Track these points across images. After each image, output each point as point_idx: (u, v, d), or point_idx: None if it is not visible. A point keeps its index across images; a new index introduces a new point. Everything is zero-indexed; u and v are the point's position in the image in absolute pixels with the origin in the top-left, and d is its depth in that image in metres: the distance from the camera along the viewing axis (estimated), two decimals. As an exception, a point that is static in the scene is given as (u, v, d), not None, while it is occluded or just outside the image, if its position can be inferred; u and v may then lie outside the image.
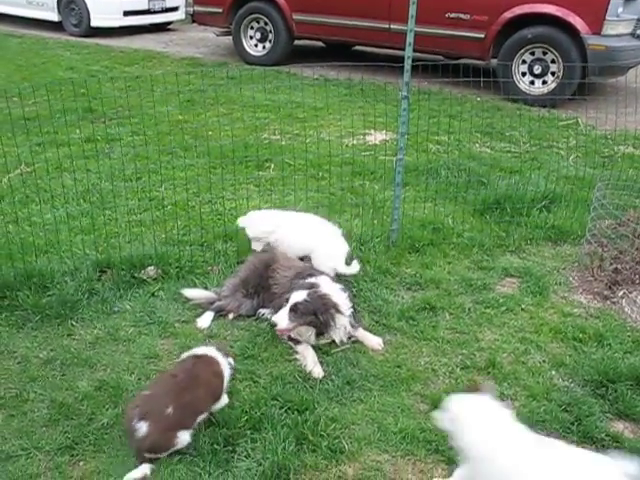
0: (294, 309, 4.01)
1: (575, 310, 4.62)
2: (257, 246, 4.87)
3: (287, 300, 4.06)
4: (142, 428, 3.13)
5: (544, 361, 4.06)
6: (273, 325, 4.07)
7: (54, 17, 14.88)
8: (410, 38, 4.72)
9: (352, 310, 4.18)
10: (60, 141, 7.14)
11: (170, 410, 3.19)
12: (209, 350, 3.61)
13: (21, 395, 3.74)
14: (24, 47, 13.26)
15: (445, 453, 3.32)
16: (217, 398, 3.46)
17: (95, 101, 8.77)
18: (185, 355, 3.64)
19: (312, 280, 4.20)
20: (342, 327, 4.13)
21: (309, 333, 4.08)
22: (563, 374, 3.95)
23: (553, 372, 3.96)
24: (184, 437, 3.22)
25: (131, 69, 11.32)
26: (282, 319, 4.01)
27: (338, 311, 4.07)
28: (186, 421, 3.25)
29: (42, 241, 5.30)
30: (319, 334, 4.10)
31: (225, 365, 3.56)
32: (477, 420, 2.78)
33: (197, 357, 3.53)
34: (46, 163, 6.67)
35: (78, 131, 7.75)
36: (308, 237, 4.91)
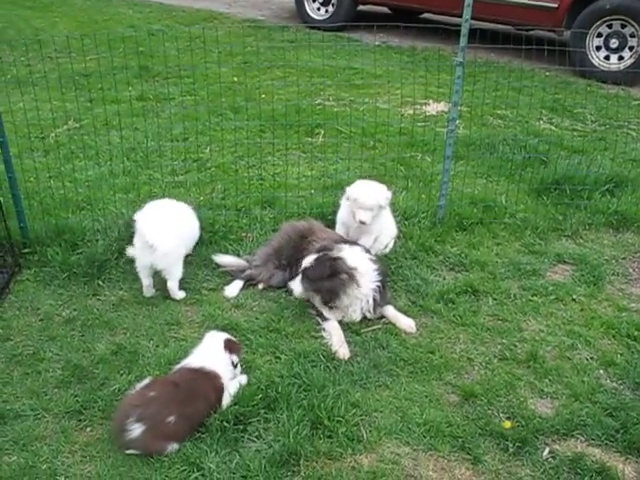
0: (304, 274, 3.85)
1: (632, 305, 4.24)
2: (367, 216, 4.30)
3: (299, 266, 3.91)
4: (136, 430, 2.94)
5: (592, 358, 3.72)
6: (290, 292, 3.94)
7: (120, -26, 14.77)
8: (469, -1, 4.36)
9: (379, 285, 3.91)
10: (111, 98, 7.08)
11: (172, 419, 3.00)
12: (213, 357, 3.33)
13: (38, 353, 3.67)
14: (88, 4, 13.25)
15: (472, 452, 3.06)
16: (214, 411, 3.19)
17: (152, 59, 8.70)
18: (186, 361, 3.36)
19: (326, 244, 4.02)
20: (363, 299, 3.88)
21: (315, 299, 3.88)
22: (612, 374, 3.60)
23: (601, 371, 3.63)
24: (173, 447, 3.02)
25: (191, 29, 11.14)
26: (295, 285, 3.90)
27: (352, 278, 3.81)
28: (182, 434, 3.04)
29: (80, 197, 5.23)
30: (326, 302, 3.86)
31: (226, 377, 3.29)
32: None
33: (199, 370, 3.25)
34: (95, 119, 6.59)
35: (131, 88, 7.67)
36: (390, 220, 4.68)
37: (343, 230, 4.60)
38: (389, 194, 4.44)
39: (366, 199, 4.32)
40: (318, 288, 3.83)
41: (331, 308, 3.88)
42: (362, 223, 4.34)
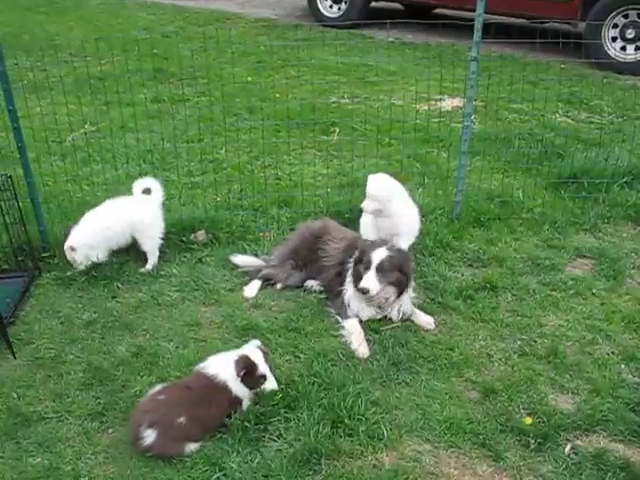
0: (380, 268, 3.75)
1: (653, 298, 4.20)
2: (370, 206, 4.28)
3: (367, 263, 3.77)
4: (150, 436, 2.97)
5: (613, 353, 3.69)
6: (364, 292, 3.75)
7: (133, -23, 14.86)
8: (482, -8, 4.34)
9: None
10: (127, 100, 7.10)
11: (183, 420, 3.01)
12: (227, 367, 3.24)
13: (60, 356, 3.71)
14: (103, 8, 13.35)
15: (492, 448, 3.05)
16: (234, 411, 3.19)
17: (166, 61, 8.75)
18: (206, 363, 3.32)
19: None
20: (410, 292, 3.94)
21: (392, 296, 3.85)
22: (633, 369, 3.57)
23: (622, 366, 3.59)
24: (191, 447, 3.03)
25: (204, 30, 11.18)
26: (372, 283, 3.73)
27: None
28: (197, 434, 3.06)
29: (98, 200, 5.23)
30: (401, 292, 3.85)
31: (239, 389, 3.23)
32: None
33: (211, 377, 3.20)
34: (111, 122, 6.63)
35: (146, 91, 7.72)
36: (412, 219, 4.57)
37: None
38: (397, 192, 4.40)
39: (372, 188, 4.30)
40: (396, 278, 3.80)
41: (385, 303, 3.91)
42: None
